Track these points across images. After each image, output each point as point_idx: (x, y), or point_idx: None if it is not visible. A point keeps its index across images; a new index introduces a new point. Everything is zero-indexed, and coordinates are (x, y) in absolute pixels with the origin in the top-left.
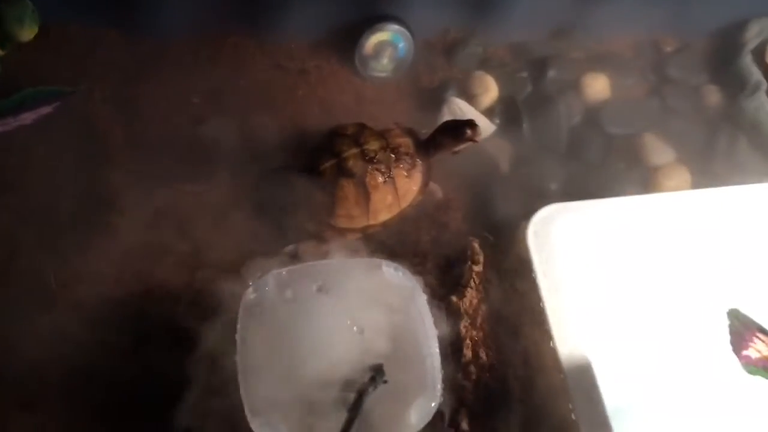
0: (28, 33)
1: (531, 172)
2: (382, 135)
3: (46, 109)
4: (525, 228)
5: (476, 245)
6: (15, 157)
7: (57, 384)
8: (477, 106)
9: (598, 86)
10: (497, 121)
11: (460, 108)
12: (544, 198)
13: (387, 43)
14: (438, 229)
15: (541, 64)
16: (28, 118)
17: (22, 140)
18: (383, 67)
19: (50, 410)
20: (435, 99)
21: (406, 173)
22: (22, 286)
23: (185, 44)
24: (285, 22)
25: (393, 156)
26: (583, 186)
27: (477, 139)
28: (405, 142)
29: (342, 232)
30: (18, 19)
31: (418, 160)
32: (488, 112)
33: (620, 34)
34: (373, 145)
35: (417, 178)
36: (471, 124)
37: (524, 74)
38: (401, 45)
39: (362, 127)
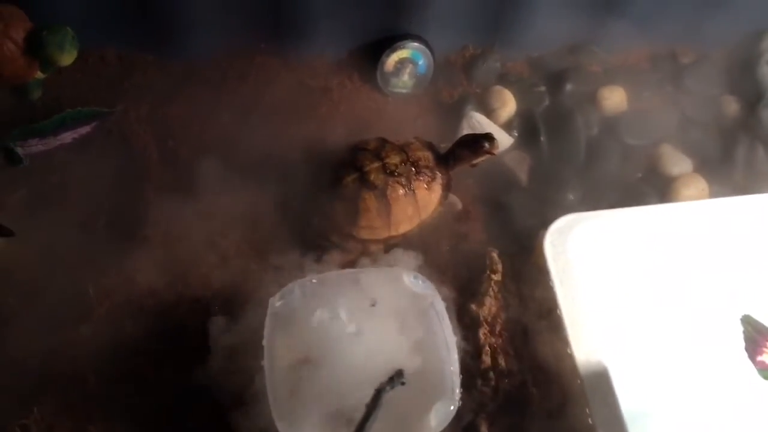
0: (67, 58)
1: (549, 183)
2: (402, 149)
3: (84, 129)
4: (543, 237)
5: (495, 255)
6: (55, 174)
7: (95, 389)
8: (495, 119)
9: (615, 98)
10: (515, 134)
11: (478, 122)
12: (561, 208)
13: (407, 61)
14: (457, 239)
15: (559, 77)
16: (67, 137)
17: (62, 159)
18: (404, 83)
19: (89, 414)
20: (454, 113)
21: (426, 186)
22: (62, 298)
23: (214, 65)
24: (309, 41)
25: (413, 169)
26: (601, 196)
27: (495, 152)
28: (425, 156)
29: (364, 243)
30: (58, 45)
31: (437, 172)
32: (506, 126)
33: (637, 47)
34: (394, 159)
35: (437, 190)
36: (489, 137)
37: (542, 88)
38: (421, 62)
39: (383, 141)
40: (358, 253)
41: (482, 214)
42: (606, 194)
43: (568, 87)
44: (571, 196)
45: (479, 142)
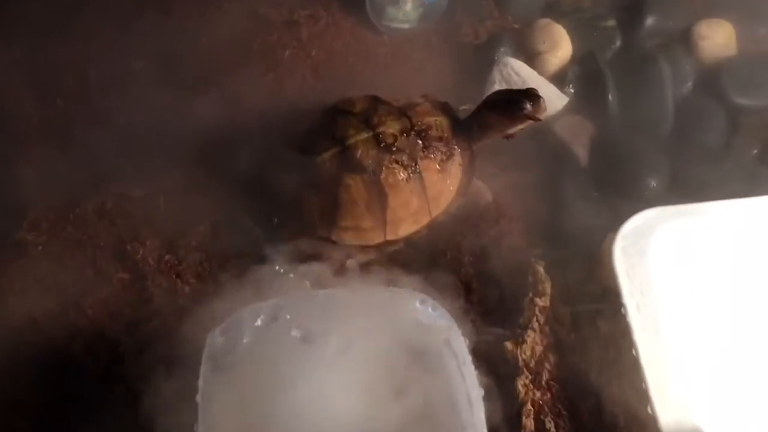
0: None
1: (620, 164)
2: (403, 112)
3: None
4: (611, 244)
5: (541, 269)
6: None
7: None
8: (541, 69)
9: (718, 38)
10: (571, 91)
11: (516, 72)
12: (638, 200)
13: None
14: (486, 246)
15: (635, 7)
16: None
17: None
18: (406, 14)
19: None
20: (481, 60)
21: (438, 166)
22: None
23: None
24: None
25: (420, 142)
26: (697, 181)
27: (540, 116)
28: (437, 123)
29: (349, 250)
30: None
31: (455, 147)
32: (558, 78)
33: None
34: (391, 127)
35: (455, 173)
36: (531, 94)
37: (610, 23)
38: None
39: (376, 101)
40: (339, 266)
41: (522, 210)
42: (704, 179)
43: (649, 21)
44: (652, 183)
45: (518, 101)
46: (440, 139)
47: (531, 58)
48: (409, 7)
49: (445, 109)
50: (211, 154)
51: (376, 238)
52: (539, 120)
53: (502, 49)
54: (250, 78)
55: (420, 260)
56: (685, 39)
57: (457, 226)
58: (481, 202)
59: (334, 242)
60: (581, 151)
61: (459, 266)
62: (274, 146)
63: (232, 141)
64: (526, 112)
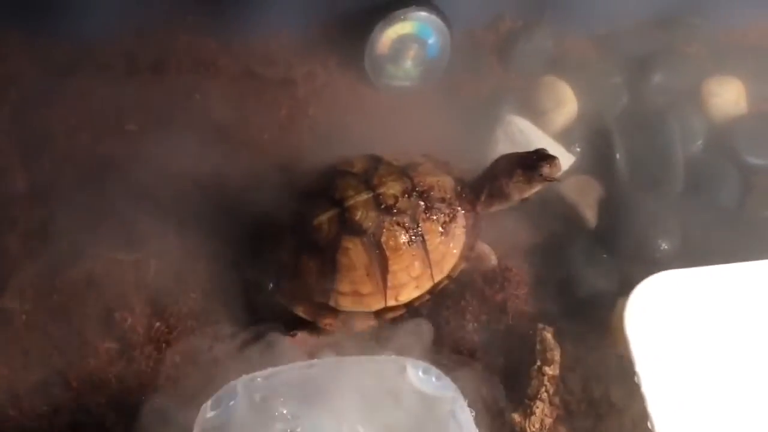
0: None
1: (630, 225)
2: (404, 173)
3: None
4: (622, 309)
5: (549, 336)
6: None
7: None
8: (546, 127)
9: (728, 95)
10: (577, 150)
11: (520, 131)
12: (649, 263)
13: (411, 39)
14: (491, 312)
15: (642, 64)
16: None
17: None
18: (406, 72)
19: None
20: (484, 118)
21: (441, 229)
22: None
23: (115, 48)
24: (261, 11)
25: (422, 203)
26: (710, 244)
27: (557, 177)
28: (440, 183)
29: (347, 317)
30: None
31: (458, 208)
32: (563, 137)
33: (760, 18)
34: (391, 188)
35: (458, 235)
36: (544, 155)
37: (617, 80)
38: (431, 40)
39: (376, 161)
40: (338, 333)
41: (528, 274)
42: (717, 241)
43: (657, 78)
44: (664, 245)
45: (533, 165)
46: (443, 200)
47: (535, 115)
48: (409, 64)
49: (448, 168)
50: (204, 217)
51: (376, 304)
52: (557, 180)
53: (505, 107)
54: (246, 138)
55: (422, 327)
56: (694, 96)
57: (461, 292)
58: (485, 266)
59: (332, 308)
60: (589, 212)
61: (463, 333)
62: (271, 208)
63: (226, 203)
64: (543, 174)
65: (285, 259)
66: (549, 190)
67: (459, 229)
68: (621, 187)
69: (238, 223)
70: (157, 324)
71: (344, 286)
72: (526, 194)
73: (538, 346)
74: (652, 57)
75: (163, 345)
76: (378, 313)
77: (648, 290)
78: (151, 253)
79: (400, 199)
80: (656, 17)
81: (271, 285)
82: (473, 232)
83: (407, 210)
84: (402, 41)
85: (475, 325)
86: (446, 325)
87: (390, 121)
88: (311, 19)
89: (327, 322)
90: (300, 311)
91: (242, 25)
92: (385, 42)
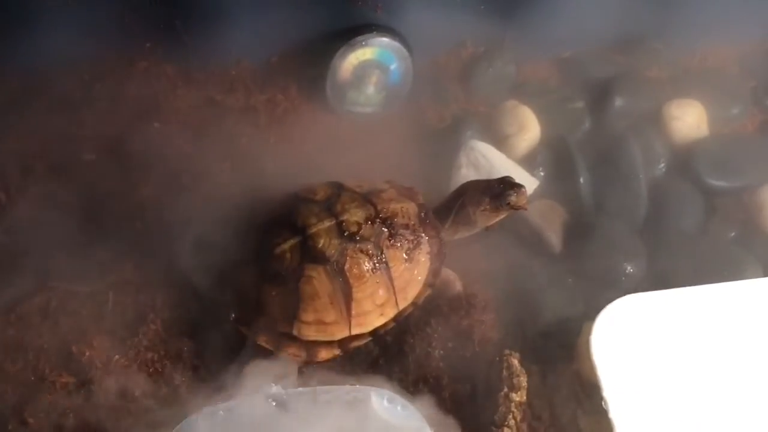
0: None
1: (595, 249)
2: (368, 199)
3: None
4: (588, 333)
5: (515, 362)
6: None
7: None
8: (510, 152)
9: (689, 118)
10: (541, 174)
11: (484, 156)
12: (615, 287)
13: (372, 65)
14: (457, 339)
15: (604, 88)
16: None
17: None
18: (368, 99)
19: None
20: (447, 144)
21: (405, 256)
22: None
23: (71, 77)
24: (220, 38)
25: (385, 230)
26: (675, 266)
27: (525, 205)
28: (403, 209)
29: (310, 346)
30: None
31: (423, 235)
32: (527, 161)
33: (720, 41)
34: (355, 215)
35: (423, 262)
36: (510, 183)
37: (579, 104)
38: (393, 66)
39: (338, 188)
40: (301, 363)
41: (493, 300)
42: (682, 264)
43: (618, 102)
44: (629, 269)
45: (501, 194)
46: (407, 227)
47: (499, 141)
48: (371, 90)
49: (411, 195)
50: (164, 247)
51: (340, 333)
52: (524, 209)
53: (468, 133)
54: (206, 166)
55: (387, 355)
56: (655, 120)
57: (426, 318)
58: (451, 293)
59: (295, 338)
60: (554, 237)
61: (429, 361)
62: (232, 237)
63: (186, 232)
64: (510, 203)
65: (247, 288)
66: (513, 215)
67: (423, 255)
68: (585, 212)
69: (199, 253)
70: (116, 357)
71: (308, 316)
72: (492, 222)
73: (504, 372)
74: (614, 81)
75: (123, 378)
76: (342, 342)
77: (614, 314)
78: (109, 284)
79: (363, 226)
80: (618, 41)
81: (233, 315)
82: (438, 259)
83: (371, 237)
84: (364, 67)
85: (441, 352)
86: (411, 353)
87: (352, 148)
88: (272, 46)
89: (290, 351)
90: (263, 341)
91: (201, 52)
92: (347, 68)
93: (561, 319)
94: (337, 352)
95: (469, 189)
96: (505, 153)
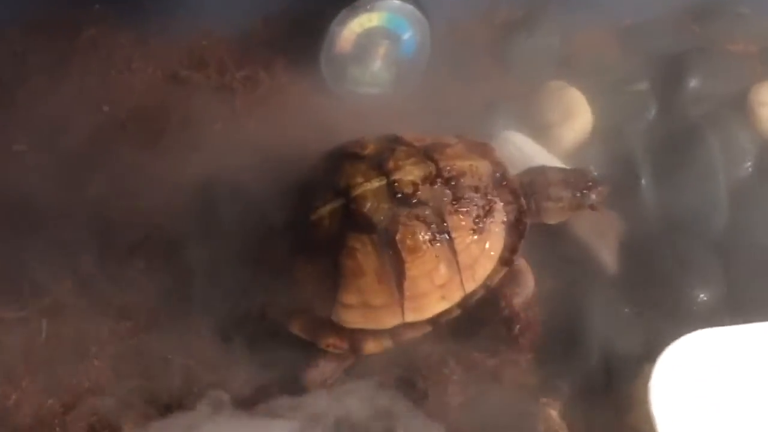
0: None
1: (659, 271)
2: (428, 155)
3: None
4: (648, 378)
5: (554, 414)
6: None
7: None
8: (553, 146)
9: None
10: (594, 174)
11: (520, 149)
12: (684, 319)
13: (380, 33)
14: (481, 382)
15: (675, 66)
16: None
17: None
18: (374, 76)
19: None
20: (473, 134)
21: (474, 225)
22: None
23: (4, 42)
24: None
25: (449, 193)
26: (763, 294)
27: (600, 207)
28: (473, 168)
29: (355, 337)
30: None
31: (497, 200)
32: (574, 159)
33: None
34: (410, 174)
35: (496, 234)
36: (595, 181)
37: (642, 86)
38: (406, 36)
39: (393, 141)
40: (344, 361)
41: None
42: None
43: (693, 84)
44: (702, 296)
45: (586, 189)
46: (476, 189)
47: (539, 131)
48: (377, 66)
49: (485, 151)
50: (114, 259)
51: (391, 320)
52: (599, 211)
53: (501, 121)
54: (168, 159)
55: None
56: (739, 106)
57: (442, 355)
58: (521, 292)
59: (336, 325)
60: (607, 255)
61: (446, 410)
62: (202, 248)
63: (144, 243)
64: (592, 202)
65: (276, 263)
66: (557, 225)
67: (497, 225)
68: (647, 223)
69: (158, 268)
70: (50, 401)
71: (350, 297)
72: (560, 220)
73: (540, 428)
74: (688, 57)
75: (57, 429)
76: (394, 331)
77: (681, 354)
78: (42, 308)
79: (420, 187)
80: (694, 6)
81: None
82: (516, 231)
83: (429, 201)
84: (369, 37)
85: (461, 399)
86: (423, 400)
87: (353, 138)
88: (252, 10)
89: (330, 342)
90: (296, 329)
91: (164, 16)
92: (348, 38)
93: (614, 359)
94: (388, 343)
95: (542, 177)
96: (547, 147)
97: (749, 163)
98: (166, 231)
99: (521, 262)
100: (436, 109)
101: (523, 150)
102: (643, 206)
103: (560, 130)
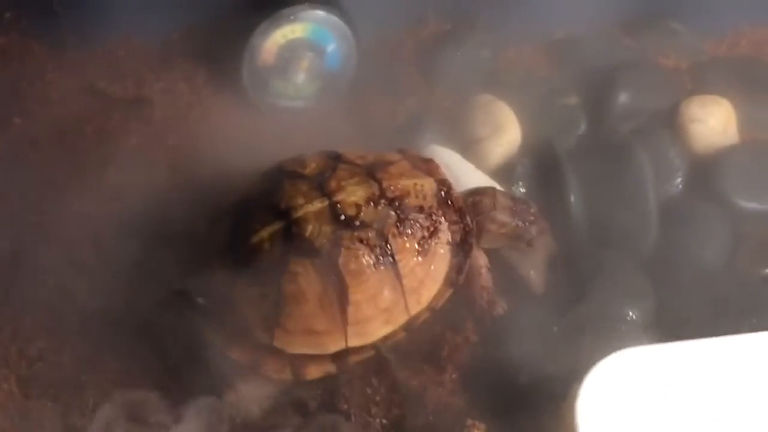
0: None
1: (587, 289)
2: (371, 175)
3: None
4: (574, 398)
5: None
6: None
7: None
8: (481, 161)
9: (714, 121)
10: (521, 191)
11: (446, 165)
12: (612, 337)
13: (304, 45)
14: (405, 403)
15: (606, 80)
16: None
17: None
18: (297, 89)
19: None
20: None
21: (418, 247)
22: None
23: None
24: (104, 6)
25: (393, 214)
26: (691, 312)
27: (535, 244)
28: (417, 187)
29: (297, 362)
30: None
31: (442, 220)
32: (502, 174)
33: (757, 22)
34: (353, 195)
35: (441, 255)
36: (537, 216)
37: (572, 100)
38: (331, 48)
39: (334, 160)
40: (284, 385)
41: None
42: (699, 307)
43: (623, 99)
44: (630, 313)
45: (529, 221)
46: (421, 209)
47: (467, 146)
48: (301, 79)
49: (430, 169)
50: (25, 282)
51: (334, 345)
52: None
53: (427, 135)
54: (83, 175)
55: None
56: (670, 121)
57: (366, 375)
58: (482, 302)
59: (277, 350)
60: (534, 274)
61: None
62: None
63: (57, 263)
64: (531, 240)
65: (215, 288)
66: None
67: (443, 246)
68: (576, 241)
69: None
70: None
71: (292, 322)
72: (493, 246)
73: None
74: (619, 71)
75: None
76: (338, 356)
77: (607, 373)
78: None
79: (363, 208)
80: (626, 20)
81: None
82: (461, 250)
83: (373, 223)
84: (292, 49)
85: (384, 421)
86: (345, 422)
87: (277, 153)
88: (172, 19)
89: (270, 367)
90: (235, 354)
91: (80, 26)
92: (270, 49)
93: (541, 380)
94: (331, 368)
95: (485, 200)
96: (475, 162)
97: (679, 180)
98: (76, 256)
99: (484, 277)
100: (362, 123)
101: (450, 166)
102: (572, 222)
103: (488, 144)
